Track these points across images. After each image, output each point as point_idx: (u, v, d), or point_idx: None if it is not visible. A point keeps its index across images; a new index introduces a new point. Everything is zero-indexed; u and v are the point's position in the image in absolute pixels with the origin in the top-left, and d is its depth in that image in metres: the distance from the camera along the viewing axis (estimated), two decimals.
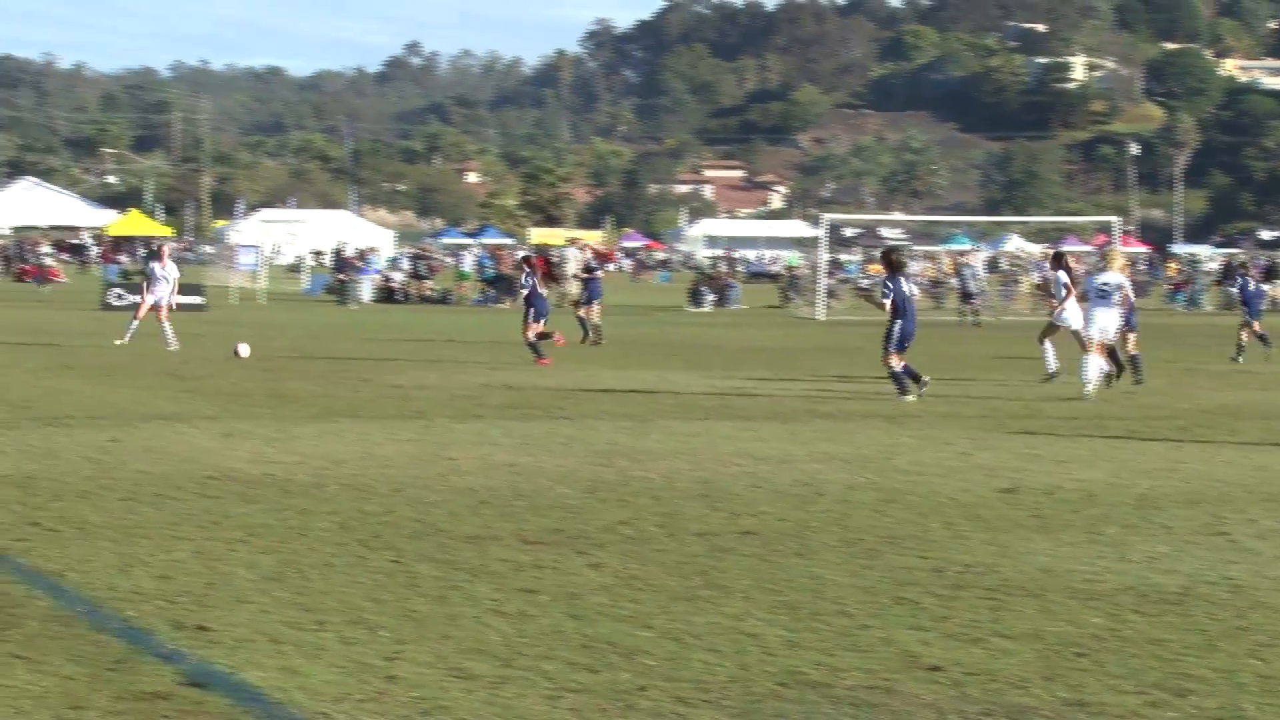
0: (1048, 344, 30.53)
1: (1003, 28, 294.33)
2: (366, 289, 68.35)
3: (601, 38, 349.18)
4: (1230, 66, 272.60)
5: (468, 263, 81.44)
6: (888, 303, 26.57)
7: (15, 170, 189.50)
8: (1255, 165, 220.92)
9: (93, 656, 9.52)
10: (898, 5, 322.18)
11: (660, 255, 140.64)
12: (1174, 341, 44.36)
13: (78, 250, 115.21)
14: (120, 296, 55.92)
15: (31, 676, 9.10)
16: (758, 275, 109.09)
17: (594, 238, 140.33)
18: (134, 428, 20.72)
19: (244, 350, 33.91)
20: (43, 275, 76.90)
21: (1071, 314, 30.18)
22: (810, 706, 8.86)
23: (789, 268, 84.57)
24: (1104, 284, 27.64)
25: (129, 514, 14.33)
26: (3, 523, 13.77)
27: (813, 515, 14.95)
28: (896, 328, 26.36)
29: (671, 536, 13.72)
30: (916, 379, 26.53)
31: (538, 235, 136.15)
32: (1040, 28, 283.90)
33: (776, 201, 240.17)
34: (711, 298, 68.47)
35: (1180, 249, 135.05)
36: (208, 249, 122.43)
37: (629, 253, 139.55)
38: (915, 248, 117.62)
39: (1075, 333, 29.68)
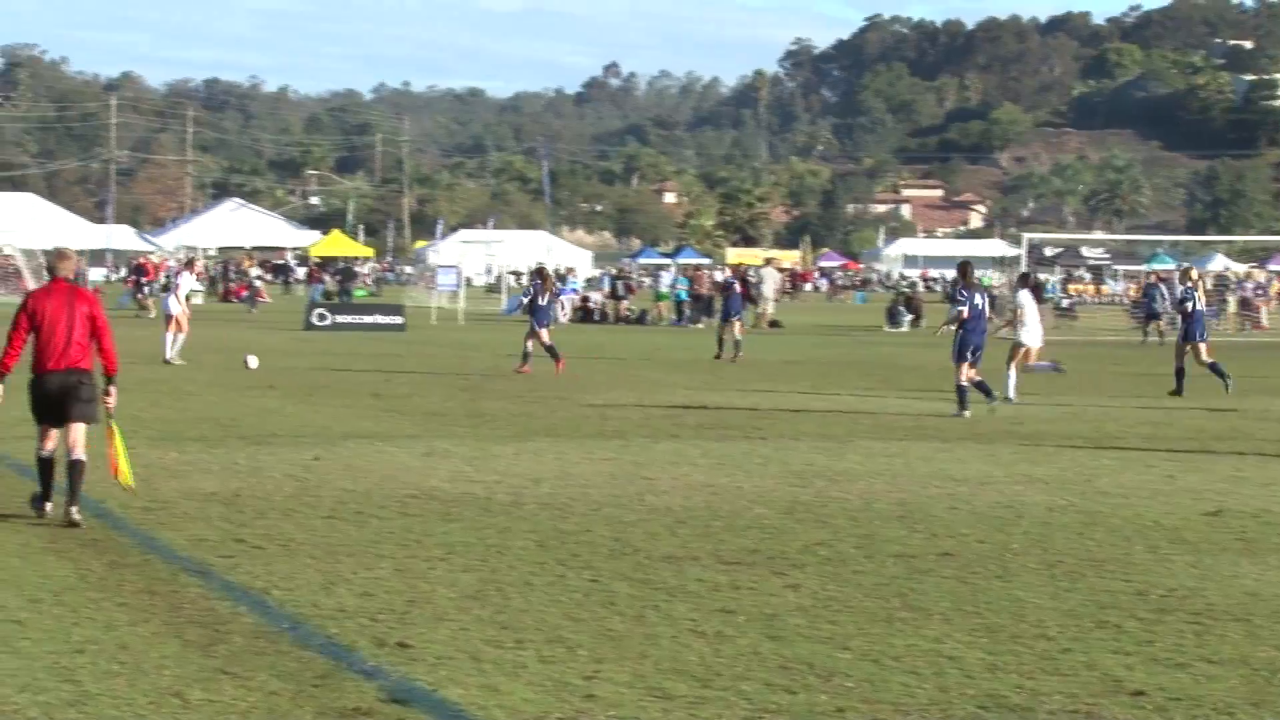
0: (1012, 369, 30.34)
1: (1208, 45, 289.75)
2: (564, 309, 68.74)
3: (800, 57, 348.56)
4: None
5: (665, 283, 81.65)
6: (965, 310, 26.76)
7: (221, 191, 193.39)
8: None
9: (297, 672, 9.66)
10: (1101, 23, 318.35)
11: (856, 275, 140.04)
12: None
13: (281, 270, 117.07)
14: (322, 317, 56.81)
15: (237, 692, 9.25)
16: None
17: (791, 257, 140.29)
18: (336, 446, 21.01)
19: (253, 362, 35.00)
20: (253, 296, 77.79)
21: (1029, 333, 30.64)
22: None
23: (987, 288, 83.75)
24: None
25: (331, 531, 14.53)
26: (209, 539, 14.01)
27: (1013, 537, 14.80)
28: (959, 338, 26.71)
29: (869, 558, 13.65)
30: (988, 393, 26.83)
31: (735, 255, 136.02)
32: (1247, 44, 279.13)
33: (976, 221, 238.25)
34: (909, 318, 68.02)
35: None
36: (408, 269, 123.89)
37: (825, 272, 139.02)
38: (1117, 267, 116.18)
39: (1016, 345, 30.49)
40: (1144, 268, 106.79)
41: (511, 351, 44.05)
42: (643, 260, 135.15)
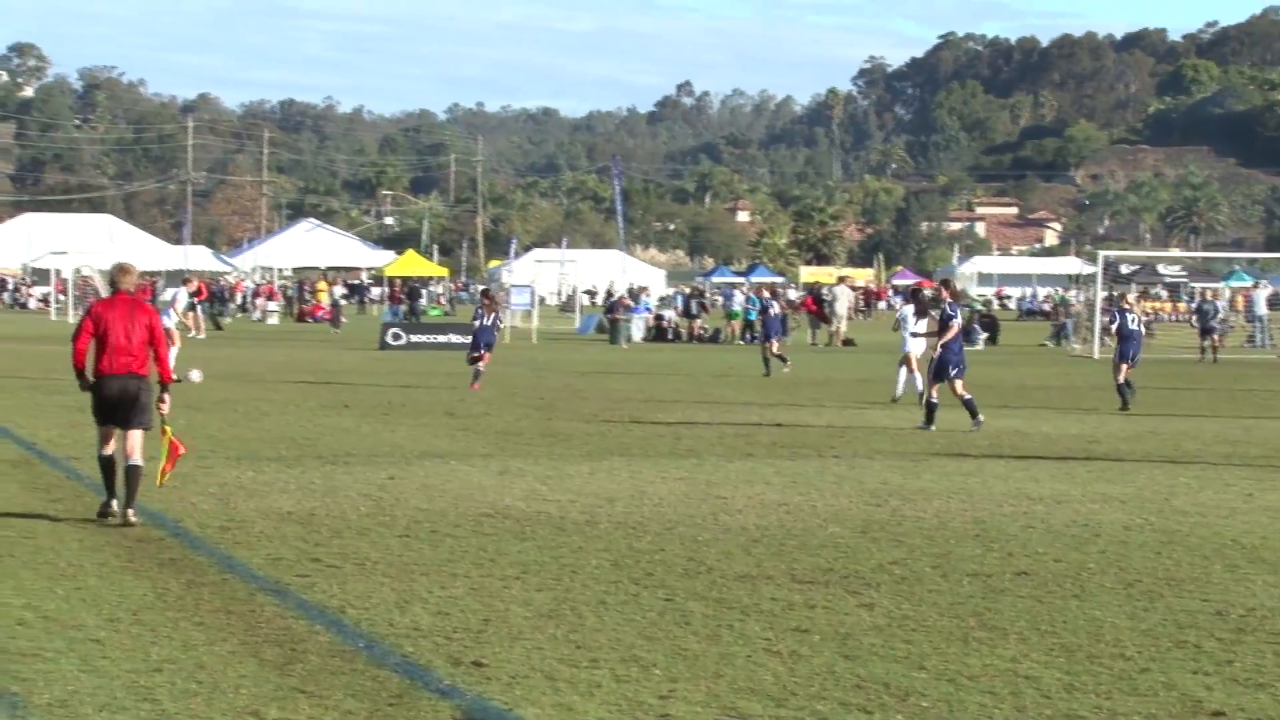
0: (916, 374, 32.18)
1: None
2: (637, 328, 68.75)
3: (874, 75, 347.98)
4: None
5: (737, 302, 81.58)
6: (956, 324, 27.59)
7: (297, 212, 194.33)
8: None
9: (372, 691, 9.69)
10: (1177, 39, 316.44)
11: (929, 293, 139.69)
12: None
13: (356, 290, 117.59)
14: (397, 336, 57.01)
15: (314, 711, 9.28)
16: (1030, 313, 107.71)
17: (864, 275, 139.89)
18: (411, 465, 21.07)
19: (196, 376, 34.97)
20: (337, 316, 77.30)
21: (914, 343, 32.58)
22: None
23: (1062, 305, 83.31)
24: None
25: (406, 550, 14.57)
26: (286, 558, 14.08)
27: (1090, 556, 14.71)
28: (940, 356, 27.32)
29: (945, 577, 13.59)
30: (974, 414, 27.33)
31: (808, 273, 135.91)
32: None
33: (1051, 238, 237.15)
34: (984, 335, 67.68)
35: None
36: (481, 289, 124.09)
37: (898, 290, 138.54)
38: (1194, 284, 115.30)
39: (905, 357, 32.91)
40: (1221, 284, 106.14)
41: (586, 370, 44.16)
42: (716, 279, 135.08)
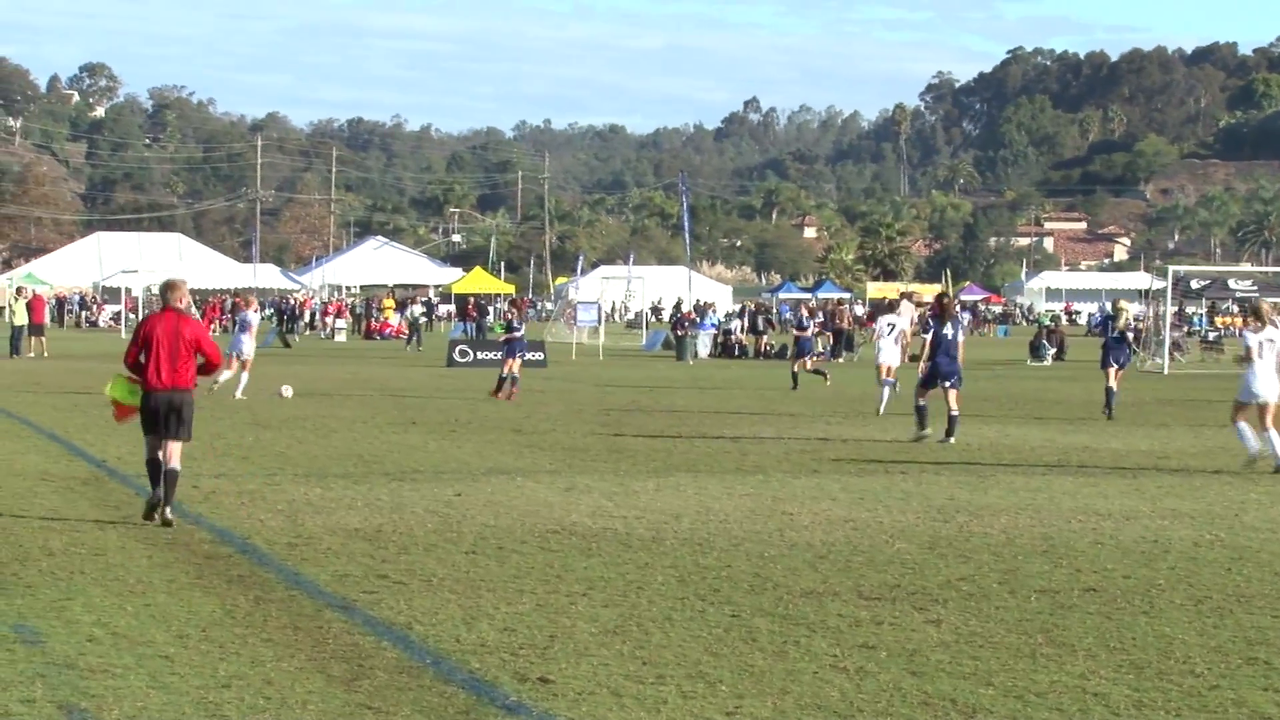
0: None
1: None
2: (704, 344, 68.71)
3: (941, 90, 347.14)
4: None
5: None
6: (928, 338, 28.62)
7: (364, 230, 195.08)
8: None
9: (439, 708, 9.70)
10: (1248, 53, 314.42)
11: (997, 309, 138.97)
12: None
13: (425, 308, 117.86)
14: (464, 353, 57.14)
15: None
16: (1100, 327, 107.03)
17: (931, 291, 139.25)
18: (477, 482, 21.11)
19: (287, 391, 36.81)
20: (418, 334, 76.59)
21: (886, 352, 35.45)
22: None
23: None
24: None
25: (473, 567, 14.59)
26: (352, 575, 14.12)
27: (1159, 572, 14.62)
28: (925, 366, 28.11)
29: (1012, 593, 13.53)
30: (923, 423, 27.87)
31: (875, 289, 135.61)
32: None
33: (1120, 253, 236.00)
34: (1052, 351, 67.37)
35: None
36: (548, 306, 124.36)
37: (965, 305, 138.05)
38: (1267, 300, 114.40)
39: (879, 366, 35.50)
40: None
41: (652, 386, 44.16)
42: (782, 295, 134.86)
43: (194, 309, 48.71)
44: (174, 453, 16.98)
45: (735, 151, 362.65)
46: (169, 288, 17.64)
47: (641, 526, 17.16)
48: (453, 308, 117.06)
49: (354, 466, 22.91)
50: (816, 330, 52.07)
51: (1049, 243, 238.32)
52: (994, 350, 79.12)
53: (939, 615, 12.56)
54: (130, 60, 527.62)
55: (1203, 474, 23.09)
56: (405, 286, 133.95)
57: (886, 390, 34.65)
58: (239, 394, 36.27)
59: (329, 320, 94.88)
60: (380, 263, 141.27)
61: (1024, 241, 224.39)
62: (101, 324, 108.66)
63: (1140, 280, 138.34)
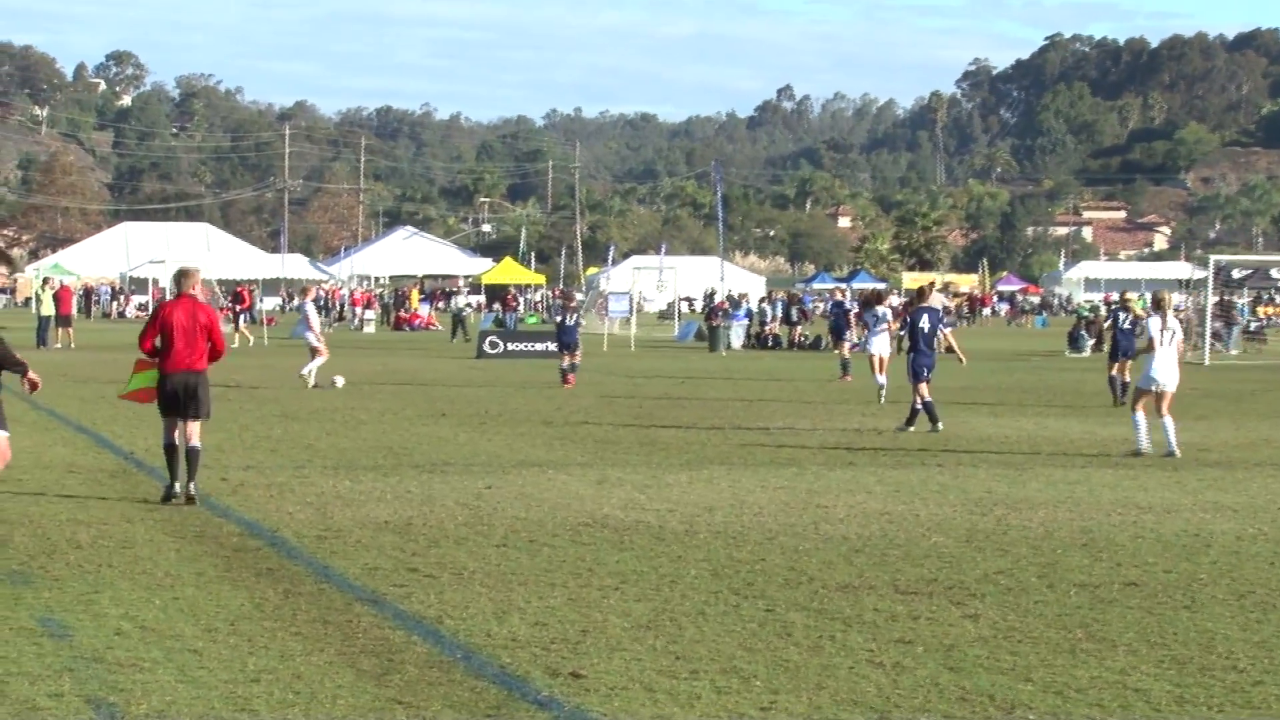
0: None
1: None
2: (737, 335, 68.50)
3: (978, 78, 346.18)
4: None
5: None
6: (905, 335, 29.52)
7: (394, 220, 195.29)
8: None
9: (470, 703, 9.59)
10: None
11: (1035, 299, 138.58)
12: None
13: (453, 298, 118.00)
14: (494, 344, 56.99)
15: None
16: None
17: (968, 281, 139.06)
18: (508, 474, 21.01)
19: (340, 381, 37.25)
20: (462, 325, 76.02)
21: (877, 344, 35.90)
22: None
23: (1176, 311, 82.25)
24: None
25: (504, 560, 14.48)
26: (383, 568, 14.02)
27: (1201, 567, 14.45)
28: (912, 360, 28.33)
29: (1051, 587, 13.37)
30: (911, 421, 27.92)
31: (910, 279, 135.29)
32: None
33: (1160, 243, 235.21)
34: (1091, 342, 67.04)
35: None
36: (579, 296, 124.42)
37: (1004, 296, 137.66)
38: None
39: (870, 358, 35.77)
40: None
41: (685, 377, 44.05)
42: (817, 285, 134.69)
43: (219, 298, 48.95)
44: (194, 431, 17.88)
45: (769, 140, 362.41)
46: (183, 275, 18.58)
47: (674, 519, 17.03)
48: (482, 298, 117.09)
49: (383, 458, 22.84)
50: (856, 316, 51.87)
51: (1088, 232, 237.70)
52: (1032, 341, 78.85)
53: (977, 610, 12.41)
54: (157, 48, 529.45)
55: (1245, 466, 22.91)
56: (435, 277, 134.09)
57: (880, 380, 35.04)
58: (311, 383, 37.22)
59: (358, 311, 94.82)
60: (410, 253, 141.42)
61: (1062, 231, 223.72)
62: (129, 314, 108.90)
63: (1181, 270, 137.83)
